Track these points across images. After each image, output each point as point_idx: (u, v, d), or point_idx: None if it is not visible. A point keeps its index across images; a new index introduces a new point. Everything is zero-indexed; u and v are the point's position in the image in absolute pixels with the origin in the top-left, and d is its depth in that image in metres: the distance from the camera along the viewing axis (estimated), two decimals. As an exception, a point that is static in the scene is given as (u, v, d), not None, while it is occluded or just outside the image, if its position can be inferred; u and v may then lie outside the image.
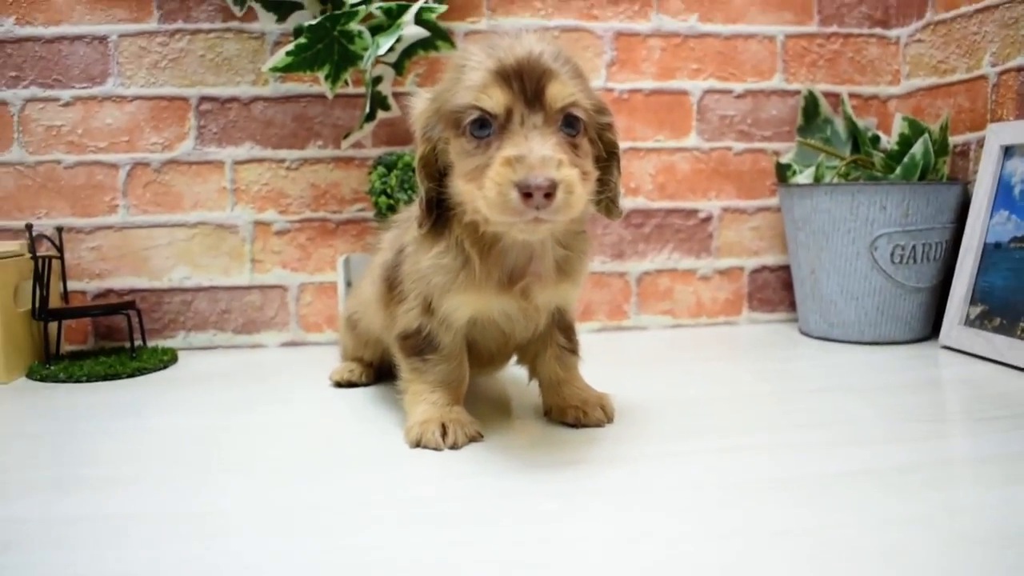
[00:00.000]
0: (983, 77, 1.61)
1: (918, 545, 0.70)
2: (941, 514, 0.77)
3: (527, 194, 0.83)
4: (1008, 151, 1.52)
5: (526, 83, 0.89)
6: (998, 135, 1.53)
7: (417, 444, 1.00)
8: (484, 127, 0.90)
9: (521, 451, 0.99)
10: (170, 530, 0.78)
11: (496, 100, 0.89)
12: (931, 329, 1.66)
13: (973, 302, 1.52)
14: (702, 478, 0.89)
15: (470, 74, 0.91)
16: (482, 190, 0.88)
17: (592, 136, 0.96)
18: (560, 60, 0.91)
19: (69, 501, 0.86)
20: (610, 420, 1.10)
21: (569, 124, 0.91)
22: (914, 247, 1.56)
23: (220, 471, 0.95)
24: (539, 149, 0.86)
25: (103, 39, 1.66)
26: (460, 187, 0.94)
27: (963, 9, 1.66)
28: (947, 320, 1.56)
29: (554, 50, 0.92)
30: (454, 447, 0.99)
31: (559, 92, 0.89)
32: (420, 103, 1.01)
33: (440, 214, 1.00)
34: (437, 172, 0.99)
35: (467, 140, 0.91)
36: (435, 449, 0.99)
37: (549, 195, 0.83)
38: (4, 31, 1.63)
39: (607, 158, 1.00)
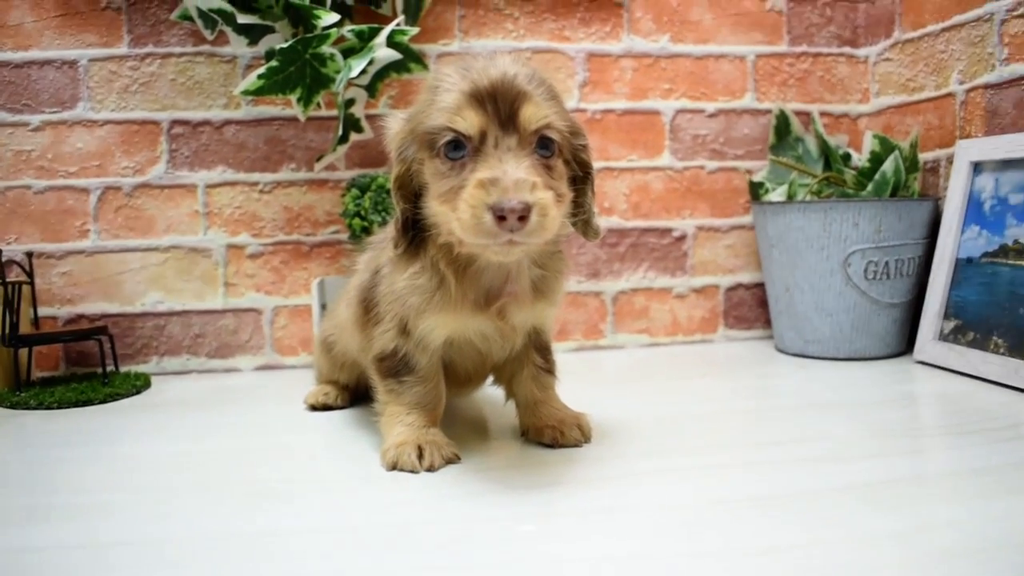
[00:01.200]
0: (951, 95, 1.63)
1: (900, 560, 0.70)
2: (921, 529, 0.77)
3: (501, 217, 0.83)
4: (977, 167, 1.53)
5: (500, 105, 0.89)
6: (967, 152, 1.55)
7: (393, 467, 0.99)
8: (458, 149, 0.90)
9: (498, 473, 0.98)
10: (144, 558, 0.76)
11: (470, 122, 0.89)
12: (906, 344, 1.67)
13: (947, 317, 1.54)
14: (681, 497, 0.88)
15: (444, 96, 0.91)
16: (456, 212, 0.87)
17: (567, 157, 0.97)
18: (534, 82, 0.91)
19: (40, 530, 0.84)
20: (587, 440, 1.10)
21: (543, 146, 0.91)
22: (887, 263, 1.57)
23: (194, 497, 0.93)
24: (513, 172, 0.85)
25: (73, 63, 1.65)
26: (435, 208, 0.94)
27: (930, 28, 1.68)
28: (921, 335, 1.58)
29: (528, 72, 0.92)
30: (431, 469, 0.98)
31: (533, 114, 0.89)
32: (395, 124, 1.01)
33: (416, 234, 1.00)
34: (412, 193, 0.99)
35: (441, 162, 0.91)
36: (411, 472, 0.98)
37: (523, 218, 0.83)
38: (-28, 56, 1.62)
39: (582, 179, 1.01)
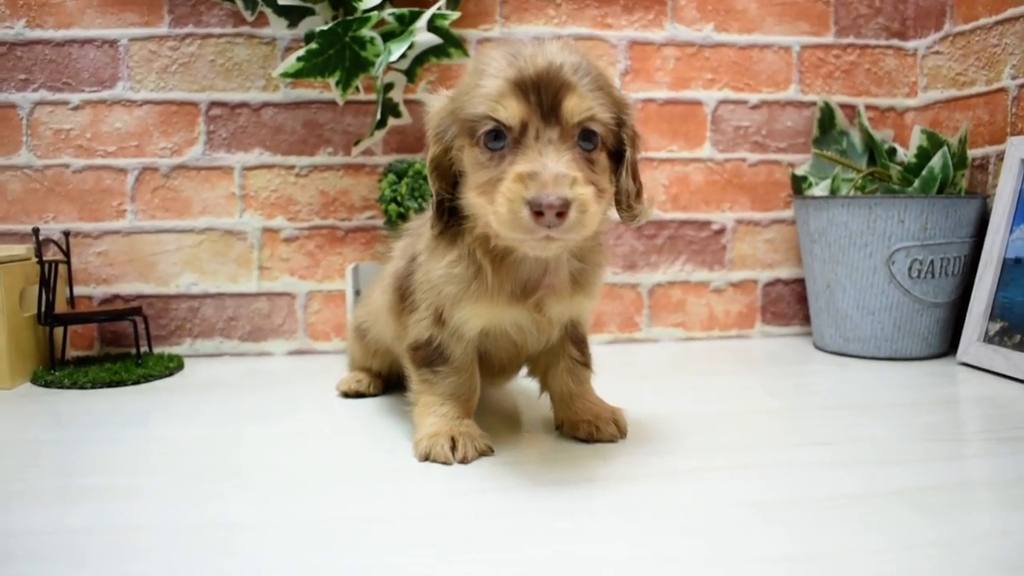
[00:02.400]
0: (1003, 90, 1.59)
1: (949, 571, 0.68)
2: (969, 538, 0.75)
3: (538, 212, 0.81)
4: (1029, 165, 1.49)
5: (543, 96, 0.86)
6: (1018, 149, 1.50)
7: (426, 458, 0.98)
8: (499, 139, 0.88)
9: (532, 467, 0.97)
10: (175, 542, 0.76)
11: (511, 112, 0.87)
12: (948, 345, 1.63)
13: (992, 318, 1.50)
14: (718, 498, 0.87)
15: (488, 81, 0.89)
16: (493, 205, 0.86)
17: (611, 149, 0.94)
18: (580, 72, 0.88)
19: (73, 512, 0.84)
20: (623, 436, 1.08)
21: (586, 138, 0.89)
22: (932, 262, 1.54)
23: (225, 482, 0.93)
24: (553, 166, 0.83)
25: (113, 43, 1.65)
26: (472, 199, 0.92)
27: (983, 21, 1.64)
28: (965, 336, 1.54)
29: (576, 61, 0.89)
30: (464, 461, 0.97)
31: (576, 106, 0.87)
32: (437, 102, 0.98)
33: (453, 221, 0.98)
34: (449, 176, 0.97)
35: (481, 151, 0.90)
36: (444, 463, 0.97)
37: (561, 214, 0.81)
38: (14, 34, 1.62)
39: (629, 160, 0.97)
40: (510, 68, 0.88)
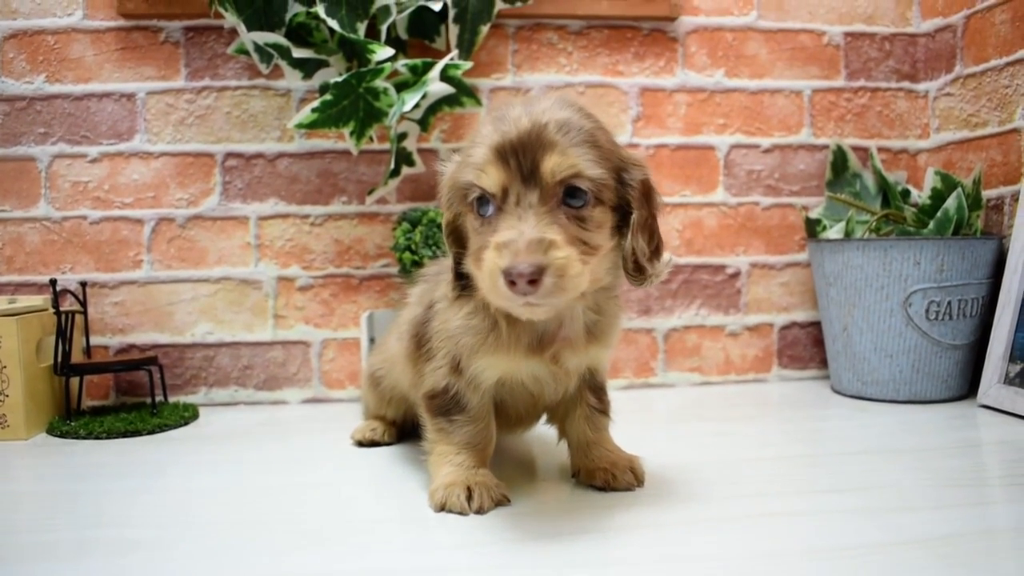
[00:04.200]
0: (1016, 130, 1.59)
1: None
2: (994, 589, 0.73)
3: (512, 281, 0.81)
4: (1044, 206, 1.49)
5: (522, 159, 0.86)
6: (1033, 189, 1.50)
7: (442, 508, 0.97)
8: (486, 204, 0.89)
9: (548, 517, 0.96)
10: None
11: (492, 179, 0.87)
12: (968, 387, 1.62)
13: (1012, 360, 1.48)
14: (737, 548, 0.85)
15: (476, 150, 0.90)
16: (481, 272, 0.86)
17: (611, 204, 0.92)
18: (565, 129, 0.87)
19: (89, 564, 0.84)
20: (640, 484, 1.07)
21: (573, 195, 0.87)
22: (950, 303, 1.53)
23: (242, 534, 0.92)
24: (528, 232, 0.83)
25: (131, 96, 1.67)
26: (469, 266, 0.93)
27: (993, 62, 1.64)
28: (985, 378, 1.52)
29: (564, 118, 0.88)
30: (480, 512, 0.96)
31: (556, 165, 0.86)
32: (448, 169, 0.99)
33: (469, 282, 0.98)
34: (462, 239, 0.98)
35: (474, 218, 0.91)
36: (460, 513, 0.96)
37: (534, 281, 0.81)
38: (34, 88, 1.65)
39: (635, 220, 0.94)
40: (495, 134, 0.88)
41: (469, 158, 0.91)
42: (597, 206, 0.90)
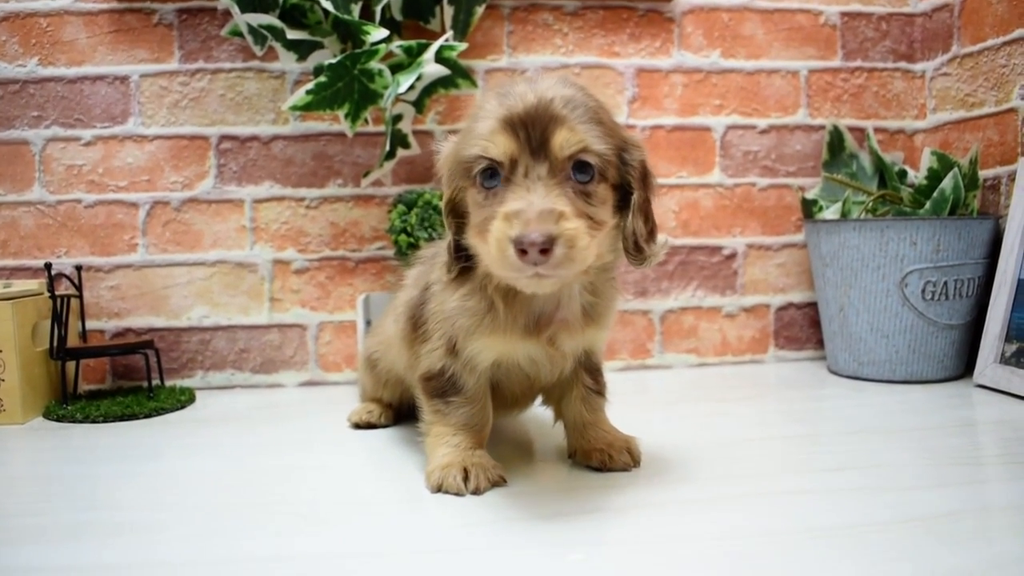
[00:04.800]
0: (1013, 110, 1.58)
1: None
2: (991, 566, 0.73)
3: (523, 250, 0.81)
4: (1041, 185, 1.48)
5: (531, 132, 0.86)
6: (1030, 169, 1.50)
7: (438, 489, 0.98)
8: (493, 177, 0.89)
9: (545, 497, 0.96)
10: (184, 581, 0.75)
11: (501, 148, 0.87)
12: (964, 367, 1.62)
13: (1008, 339, 1.48)
14: (733, 527, 0.85)
15: (480, 123, 0.90)
16: (486, 244, 0.86)
17: (613, 181, 0.92)
18: (572, 105, 0.88)
19: (85, 548, 0.84)
20: (636, 464, 1.07)
21: (580, 170, 0.88)
22: (946, 283, 1.53)
23: (235, 518, 0.92)
24: (540, 202, 0.83)
25: (124, 79, 1.67)
26: (472, 240, 0.93)
27: (990, 42, 1.64)
28: (981, 358, 1.52)
29: (569, 94, 0.89)
30: (476, 492, 0.97)
31: (566, 139, 0.86)
32: (446, 148, 0.99)
33: (467, 256, 0.98)
34: (462, 218, 0.97)
35: (477, 191, 0.90)
36: (457, 494, 0.96)
37: (546, 251, 0.81)
38: (27, 71, 1.64)
39: (637, 199, 0.95)
40: (500, 107, 0.89)
41: (473, 131, 0.91)
42: (601, 182, 0.90)
